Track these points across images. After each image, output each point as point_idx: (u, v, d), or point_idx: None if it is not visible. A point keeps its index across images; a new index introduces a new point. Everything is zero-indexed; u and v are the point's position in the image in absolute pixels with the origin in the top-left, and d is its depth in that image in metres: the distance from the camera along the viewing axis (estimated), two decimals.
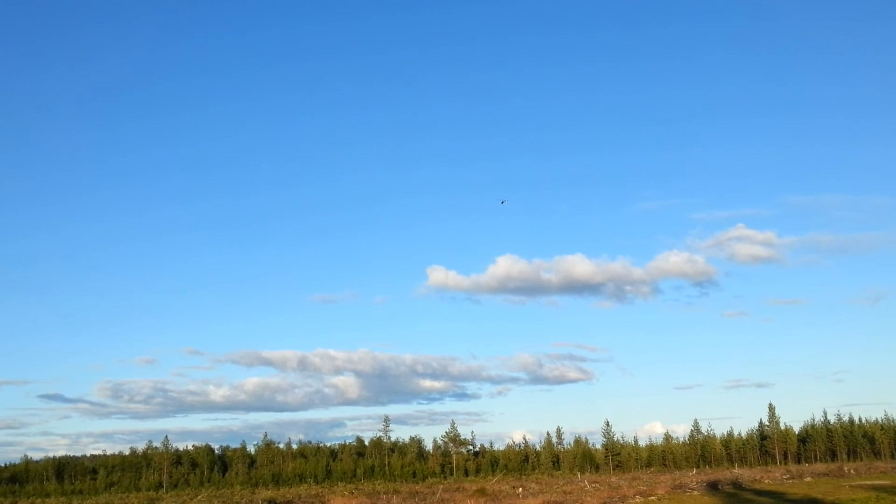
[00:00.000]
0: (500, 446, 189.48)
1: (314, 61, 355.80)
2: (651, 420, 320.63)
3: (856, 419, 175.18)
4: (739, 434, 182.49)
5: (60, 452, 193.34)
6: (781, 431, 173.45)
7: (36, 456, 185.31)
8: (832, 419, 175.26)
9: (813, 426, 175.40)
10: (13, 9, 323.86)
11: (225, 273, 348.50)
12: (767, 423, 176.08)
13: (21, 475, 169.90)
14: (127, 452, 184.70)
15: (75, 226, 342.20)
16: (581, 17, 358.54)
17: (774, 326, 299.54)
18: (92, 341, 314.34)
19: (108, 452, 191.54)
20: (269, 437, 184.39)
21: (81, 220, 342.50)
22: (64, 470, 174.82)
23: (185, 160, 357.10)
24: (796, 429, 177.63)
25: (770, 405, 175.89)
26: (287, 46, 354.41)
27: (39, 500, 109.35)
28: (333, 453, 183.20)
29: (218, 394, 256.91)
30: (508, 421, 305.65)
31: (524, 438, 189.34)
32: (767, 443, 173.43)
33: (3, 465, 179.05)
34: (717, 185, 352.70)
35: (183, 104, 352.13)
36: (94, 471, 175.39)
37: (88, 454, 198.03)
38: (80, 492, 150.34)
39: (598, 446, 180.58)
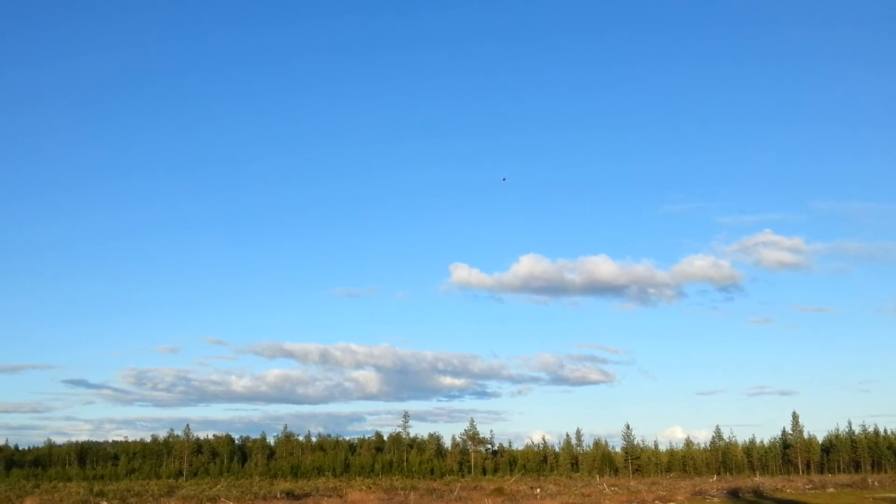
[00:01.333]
0: (518, 446, 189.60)
1: (338, 56, 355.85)
2: (672, 425, 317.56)
3: (881, 430, 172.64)
4: (762, 442, 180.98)
5: (83, 437, 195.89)
6: (805, 440, 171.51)
7: (59, 440, 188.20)
8: (857, 430, 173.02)
9: (837, 436, 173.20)
10: (6, 2, 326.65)
11: (248, 264, 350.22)
12: (790, 432, 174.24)
13: (44, 459, 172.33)
14: (148, 440, 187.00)
15: (103, 212, 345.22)
16: (607, 17, 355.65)
17: (800, 334, 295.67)
18: (117, 328, 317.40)
19: (130, 439, 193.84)
20: (288, 430, 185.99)
21: (109, 207, 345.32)
22: (86, 455, 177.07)
23: (211, 151, 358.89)
24: (820, 438, 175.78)
25: (794, 413, 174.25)
26: (303, 41, 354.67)
27: (61, 484, 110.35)
28: (352, 447, 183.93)
29: (239, 384, 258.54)
30: (528, 421, 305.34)
31: (543, 439, 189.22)
32: (790, 451, 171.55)
33: (26, 448, 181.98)
34: (744, 189, 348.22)
35: (204, 97, 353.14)
36: (116, 457, 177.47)
37: (110, 440, 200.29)
38: (102, 477, 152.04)
39: (618, 449, 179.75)
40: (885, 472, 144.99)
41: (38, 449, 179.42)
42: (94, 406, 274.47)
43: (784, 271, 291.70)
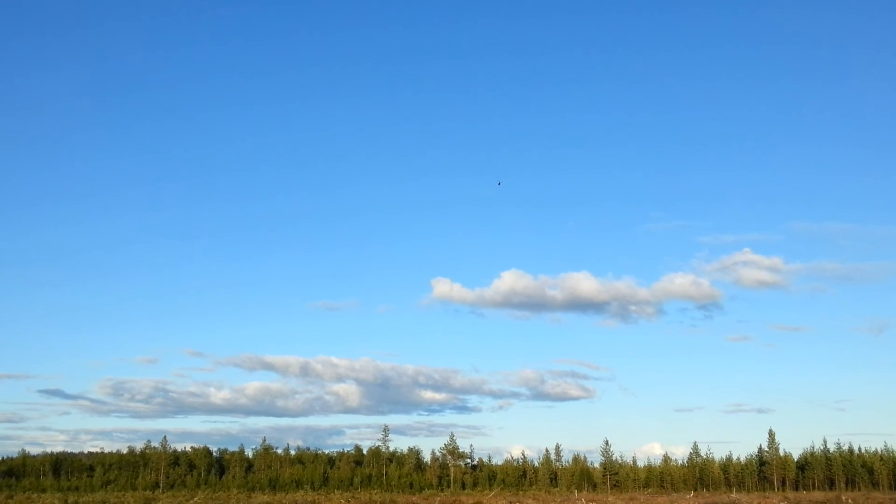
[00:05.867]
0: (498, 461, 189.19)
1: (323, 68, 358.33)
2: (650, 441, 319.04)
3: (855, 449, 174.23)
4: (738, 459, 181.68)
5: (58, 448, 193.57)
6: (780, 458, 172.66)
7: (34, 451, 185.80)
8: (832, 448, 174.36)
9: (812, 454, 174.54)
10: (16, 7, 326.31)
11: (230, 276, 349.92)
12: (767, 449, 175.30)
13: (18, 469, 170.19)
14: (125, 451, 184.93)
15: (82, 223, 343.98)
16: (594, 35, 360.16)
17: (777, 352, 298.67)
18: (95, 338, 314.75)
19: (106, 450, 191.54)
20: (267, 442, 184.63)
21: (88, 218, 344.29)
22: (61, 466, 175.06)
23: (192, 163, 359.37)
24: (795, 456, 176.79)
25: (770, 431, 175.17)
26: (295, 53, 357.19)
27: (35, 496, 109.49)
28: (331, 461, 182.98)
29: (218, 396, 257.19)
30: (508, 436, 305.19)
31: (523, 454, 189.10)
32: (766, 469, 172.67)
33: (0, 458, 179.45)
34: (725, 208, 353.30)
35: (190, 107, 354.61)
36: (91, 468, 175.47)
37: (86, 451, 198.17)
38: (77, 488, 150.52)
39: (597, 465, 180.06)
40: (859, 490, 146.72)
41: (11, 459, 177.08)
42: (71, 417, 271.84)
43: (763, 290, 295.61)
